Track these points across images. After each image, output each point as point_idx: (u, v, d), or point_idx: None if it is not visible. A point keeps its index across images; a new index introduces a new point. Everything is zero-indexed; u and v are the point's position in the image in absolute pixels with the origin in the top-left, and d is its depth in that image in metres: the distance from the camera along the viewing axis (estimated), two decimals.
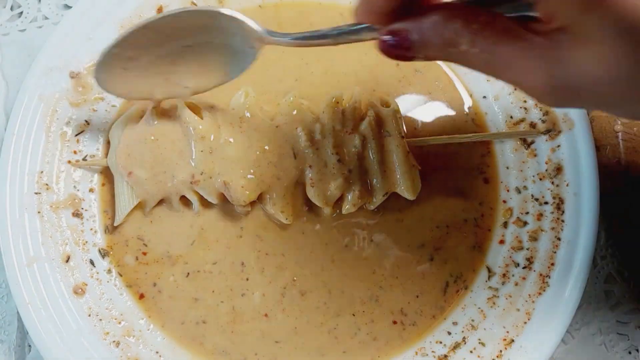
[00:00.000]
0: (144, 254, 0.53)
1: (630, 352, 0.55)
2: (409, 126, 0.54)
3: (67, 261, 0.52)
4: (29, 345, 0.56)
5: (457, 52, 0.34)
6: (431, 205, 0.54)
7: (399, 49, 0.36)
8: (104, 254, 0.53)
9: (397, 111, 0.53)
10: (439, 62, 0.58)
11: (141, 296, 0.53)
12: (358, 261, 0.53)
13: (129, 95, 0.52)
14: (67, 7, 0.62)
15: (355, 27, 0.41)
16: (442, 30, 0.34)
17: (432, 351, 0.51)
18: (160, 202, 0.54)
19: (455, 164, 0.55)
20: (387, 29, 0.36)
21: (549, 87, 0.32)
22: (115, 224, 0.53)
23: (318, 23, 0.57)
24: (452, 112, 0.56)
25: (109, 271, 0.53)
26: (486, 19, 0.33)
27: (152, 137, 0.52)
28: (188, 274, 0.53)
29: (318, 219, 0.54)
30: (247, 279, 0.53)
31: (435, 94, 0.57)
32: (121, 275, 0.53)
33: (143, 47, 0.47)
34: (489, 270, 0.53)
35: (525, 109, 0.55)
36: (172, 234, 0.54)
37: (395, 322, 0.52)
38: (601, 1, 0.28)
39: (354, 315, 0.52)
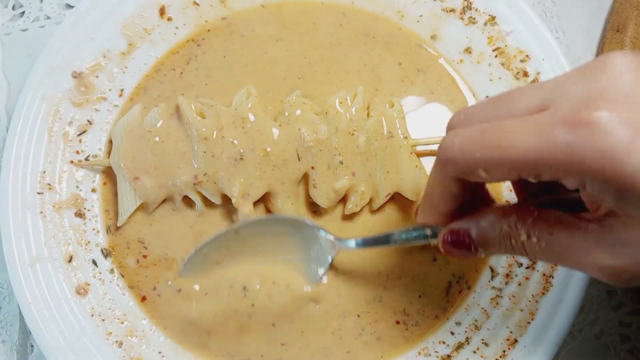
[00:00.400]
0: (145, 257, 0.53)
1: (632, 353, 0.55)
2: (412, 126, 0.54)
3: (69, 261, 0.52)
4: (32, 346, 0.56)
5: (516, 244, 0.36)
6: None
7: (461, 247, 0.39)
8: (106, 254, 0.53)
9: (400, 112, 0.53)
10: (441, 61, 0.58)
11: (143, 298, 0.53)
12: (362, 262, 0.53)
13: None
14: (69, 6, 0.62)
15: (418, 232, 0.44)
16: (499, 225, 0.37)
17: (435, 351, 0.51)
18: (163, 201, 0.53)
19: None
20: (447, 229, 0.40)
21: (612, 269, 0.33)
22: (118, 225, 0.53)
23: (321, 22, 0.57)
24: (454, 112, 0.56)
25: (112, 271, 0.53)
26: (539, 212, 0.35)
27: (156, 139, 0.52)
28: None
29: (321, 219, 0.54)
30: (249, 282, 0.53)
31: (438, 93, 0.57)
32: (123, 276, 0.53)
33: (228, 252, 0.51)
34: (492, 270, 0.53)
35: None
36: (172, 237, 0.54)
37: (398, 322, 0.52)
38: (632, 186, 0.29)
39: (358, 316, 0.52)
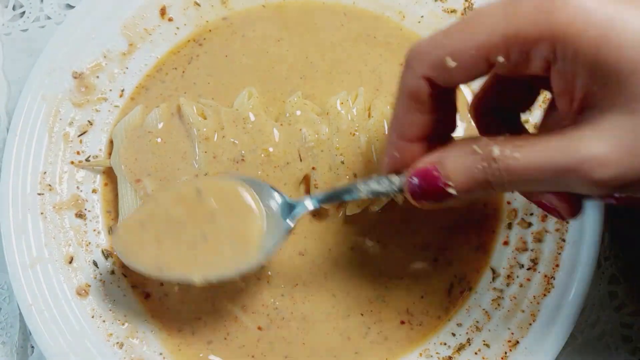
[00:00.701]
0: None
1: (634, 354, 0.55)
2: None
3: (70, 262, 0.52)
4: (32, 347, 0.55)
5: (489, 167, 0.33)
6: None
7: (429, 187, 0.35)
8: (107, 255, 0.53)
9: None
10: None
11: (147, 295, 0.52)
12: (364, 262, 0.53)
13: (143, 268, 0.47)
14: (70, 6, 0.61)
15: (383, 181, 0.39)
16: (469, 149, 0.34)
17: (437, 352, 0.51)
18: None
19: None
20: (413, 167, 0.36)
21: (596, 162, 0.30)
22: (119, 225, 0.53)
23: (322, 22, 0.57)
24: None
25: (112, 272, 0.53)
26: (509, 134, 0.33)
27: (157, 139, 0.52)
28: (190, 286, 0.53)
29: (323, 221, 0.54)
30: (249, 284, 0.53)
31: None
32: (126, 277, 0.53)
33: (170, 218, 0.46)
34: (494, 271, 0.53)
35: (529, 109, 0.54)
36: None
37: (403, 322, 0.52)
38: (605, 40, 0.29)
39: (362, 314, 0.52)
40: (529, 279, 0.51)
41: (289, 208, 0.46)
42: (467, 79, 0.34)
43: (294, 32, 0.57)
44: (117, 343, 0.51)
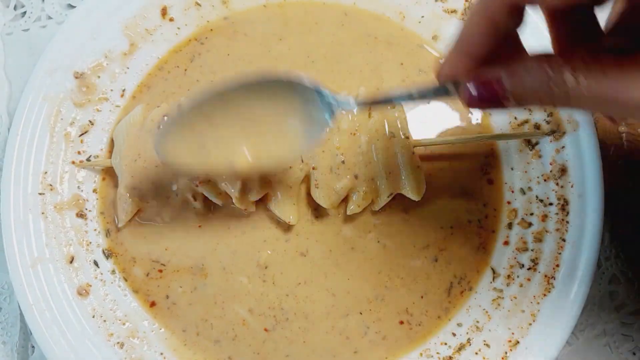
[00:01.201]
0: (160, 271, 0.53)
1: (634, 353, 0.55)
2: (413, 127, 0.54)
3: (71, 262, 0.52)
4: (32, 347, 0.56)
5: (558, 90, 0.32)
6: (436, 206, 0.54)
7: (489, 96, 0.35)
8: (107, 254, 0.53)
9: (402, 112, 0.53)
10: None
11: (152, 304, 0.52)
12: (364, 262, 0.53)
13: (185, 163, 0.45)
14: (71, 6, 0.62)
15: (433, 88, 0.39)
16: (540, 69, 0.33)
17: (437, 352, 0.51)
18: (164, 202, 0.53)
19: (459, 165, 0.55)
20: (474, 75, 0.35)
21: None
22: (119, 226, 0.53)
23: (323, 22, 0.57)
24: (455, 113, 0.56)
25: (113, 272, 0.53)
26: (590, 55, 0.32)
27: None
28: (195, 288, 0.53)
29: (323, 221, 0.54)
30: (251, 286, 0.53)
31: None
32: (126, 280, 0.53)
33: (206, 113, 0.44)
34: (494, 271, 0.53)
35: (529, 110, 0.55)
36: (181, 245, 0.54)
37: (402, 322, 0.52)
38: None
39: (361, 313, 0.52)
40: (529, 279, 0.51)
41: (329, 105, 0.44)
42: (562, 4, 0.34)
43: (295, 31, 0.57)
44: (118, 343, 0.51)
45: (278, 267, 0.53)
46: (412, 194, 0.51)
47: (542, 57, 0.34)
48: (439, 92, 0.38)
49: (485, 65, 0.35)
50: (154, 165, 0.52)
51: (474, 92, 0.35)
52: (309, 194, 0.53)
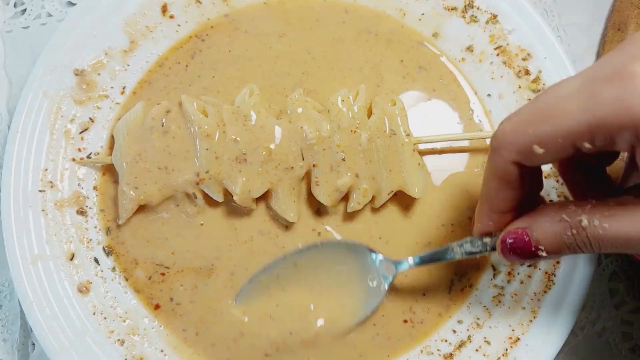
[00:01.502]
0: (162, 274, 0.53)
1: (635, 351, 0.55)
2: (413, 124, 0.54)
3: (71, 259, 0.52)
4: (33, 344, 0.56)
5: (577, 235, 0.36)
6: (437, 203, 0.54)
7: (521, 249, 0.38)
8: (108, 252, 0.53)
9: (402, 109, 0.53)
10: (443, 59, 0.58)
11: (156, 307, 0.52)
12: None
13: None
14: (71, 4, 0.61)
15: (478, 242, 0.43)
16: (557, 216, 0.36)
17: (438, 350, 0.51)
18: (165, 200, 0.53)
19: (460, 162, 0.55)
20: (506, 231, 0.39)
21: None
22: (119, 222, 0.53)
23: (324, 19, 0.58)
24: (456, 110, 0.56)
25: (114, 269, 0.53)
26: (597, 200, 0.36)
27: (158, 136, 0.52)
28: (196, 286, 0.53)
29: (324, 218, 0.54)
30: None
31: (440, 91, 0.57)
32: (127, 280, 0.53)
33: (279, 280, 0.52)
34: (494, 268, 0.53)
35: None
36: (181, 246, 0.54)
37: (405, 321, 0.52)
38: None
39: (374, 325, 0.52)
40: (529, 276, 0.52)
41: (387, 266, 0.50)
42: (553, 160, 0.37)
43: (296, 28, 0.57)
44: (119, 340, 0.51)
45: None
46: (413, 192, 0.51)
47: (558, 205, 0.37)
48: (479, 246, 0.43)
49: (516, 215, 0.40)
50: (155, 163, 0.52)
51: (507, 244, 0.39)
52: (309, 192, 0.53)
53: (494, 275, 0.53)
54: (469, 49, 0.57)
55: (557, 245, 0.37)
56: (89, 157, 0.55)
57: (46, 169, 0.53)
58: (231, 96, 0.54)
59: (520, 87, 0.55)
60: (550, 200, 0.44)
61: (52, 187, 0.53)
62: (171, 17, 0.57)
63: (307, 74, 0.56)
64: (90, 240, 0.53)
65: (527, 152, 0.34)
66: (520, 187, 0.38)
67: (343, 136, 0.51)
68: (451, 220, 0.54)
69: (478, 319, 0.52)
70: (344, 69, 0.57)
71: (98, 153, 0.55)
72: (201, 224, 0.54)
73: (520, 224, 0.39)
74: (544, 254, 0.38)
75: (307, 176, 0.53)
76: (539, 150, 0.34)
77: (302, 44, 0.57)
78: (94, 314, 0.51)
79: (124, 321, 0.52)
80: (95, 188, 0.55)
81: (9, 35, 0.61)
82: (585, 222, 0.35)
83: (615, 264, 0.56)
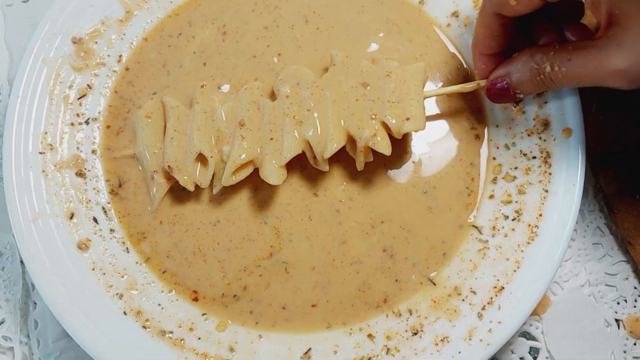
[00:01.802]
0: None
1: (619, 303, 0.56)
2: None
3: (71, 218, 0.54)
4: (35, 303, 0.57)
5: (544, 78, 0.46)
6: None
7: (503, 93, 0.49)
8: (106, 211, 0.55)
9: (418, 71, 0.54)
10: (437, 29, 0.59)
11: (195, 299, 0.55)
12: (363, 225, 0.55)
13: None
14: None
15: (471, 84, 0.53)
16: (529, 65, 0.46)
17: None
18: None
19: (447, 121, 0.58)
20: (489, 79, 0.50)
21: (621, 72, 0.41)
22: (150, 210, 0.56)
23: None
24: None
25: (112, 230, 0.55)
26: (559, 45, 0.45)
27: (172, 130, 0.55)
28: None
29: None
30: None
31: (429, 56, 0.59)
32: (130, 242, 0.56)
33: None
34: (476, 228, 0.55)
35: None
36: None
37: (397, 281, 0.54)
38: None
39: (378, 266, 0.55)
40: (513, 229, 0.53)
41: None
42: (527, 10, 0.45)
43: None
44: (117, 294, 0.52)
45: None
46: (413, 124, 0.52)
47: (528, 53, 0.47)
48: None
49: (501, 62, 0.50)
50: (174, 151, 0.54)
51: (492, 91, 0.50)
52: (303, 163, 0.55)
53: (480, 231, 0.54)
54: (454, 14, 0.59)
55: (530, 88, 0.48)
56: (87, 122, 0.56)
57: (46, 132, 0.55)
58: (244, 57, 0.59)
59: None
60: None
61: (51, 149, 0.55)
62: None
63: (303, 37, 0.60)
64: (89, 201, 0.55)
65: (504, 4, 0.44)
66: (501, 35, 0.49)
67: (335, 90, 0.53)
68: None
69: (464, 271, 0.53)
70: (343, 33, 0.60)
71: (96, 119, 0.57)
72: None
73: (499, 72, 0.49)
74: (521, 95, 0.49)
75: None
76: (513, 1, 0.44)
77: (296, 8, 0.60)
78: (93, 269, 0.53)
79: (122, 277, 0.53)
80: (93, 152, 0.56)
81: (9, 9, 0.64)
82: (548, 69, 0.45)
83: (599, 220, 0.58)
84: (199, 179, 0.53)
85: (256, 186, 0.55)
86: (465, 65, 0.58)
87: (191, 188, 0.53)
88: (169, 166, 0.53)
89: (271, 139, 0.53)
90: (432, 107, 0.58)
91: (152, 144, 0.55)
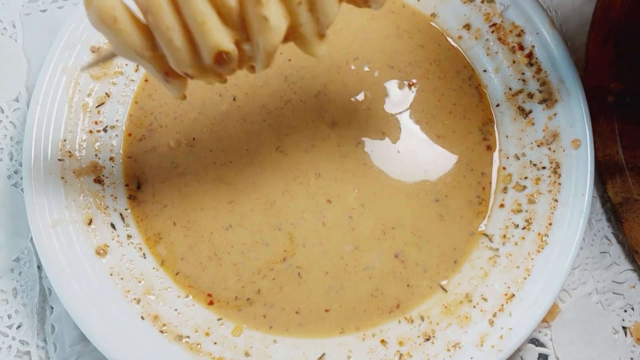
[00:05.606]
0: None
1: (625, 311, 0.57)
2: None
3: (89, 224, 0.55)
4: (51, 307, 0.58)
5: None
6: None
7: None
8: (124, 218, 0.56)
9: None
10: (449, 39, 0.61)
11: (210, 303, 0.55)
12: (375, 230, 0.56)
13: None
14: None
15: None
16: None
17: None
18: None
19: (459, 132, 0.59)
20: None
21: None
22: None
23: None
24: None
25: (129, 236, 0.56)
26: None
27: None
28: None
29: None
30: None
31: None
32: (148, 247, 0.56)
33: None
34: (487, 236, 0.56)
35: (524, 80, 0.58)
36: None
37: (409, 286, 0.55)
38: None
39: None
40: (523, 238, 0.54)
41: None
42: None
43: None
44: (135, 299, 0.53)
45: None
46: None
47: None
48: None
49: None
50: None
51: None
52: None
53: (490, 239, 0.55)
54: (466, 27, 0.60)
55: None
56: (105, 129, 0.58)
57: (65, 140, 0.56)
58: None
59: (514, 62, 0.58)
60: None
61: (70, 156, 0.56)
62: None
63: None
64: (107, 207, 0.56)
65: None
66: None
67: None
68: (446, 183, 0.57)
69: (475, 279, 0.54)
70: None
71: (114, 126, 0.58)
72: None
73: None
74: None
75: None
76: None
77: None
78: (111, 274, 0.53)
79: (140, 282, 0.54)
80: (111, 159, 0.57)
81: (27, 18, 0.65)
82: None
83: (607, 229, 0.59)
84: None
85: (273, 200, 0.57)
86: (478, 74, 0.60)
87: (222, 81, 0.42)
88: (185, 73, 0.40)
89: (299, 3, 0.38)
90: (446, 120, 0.59)
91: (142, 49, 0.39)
